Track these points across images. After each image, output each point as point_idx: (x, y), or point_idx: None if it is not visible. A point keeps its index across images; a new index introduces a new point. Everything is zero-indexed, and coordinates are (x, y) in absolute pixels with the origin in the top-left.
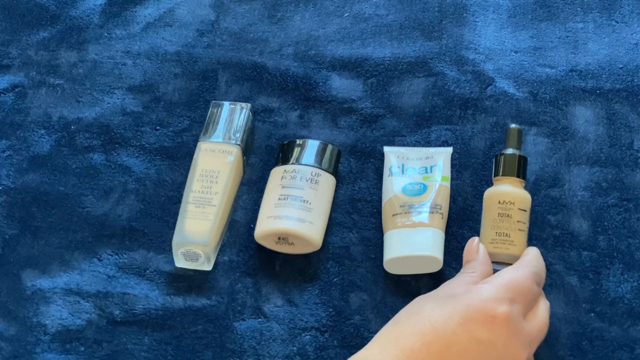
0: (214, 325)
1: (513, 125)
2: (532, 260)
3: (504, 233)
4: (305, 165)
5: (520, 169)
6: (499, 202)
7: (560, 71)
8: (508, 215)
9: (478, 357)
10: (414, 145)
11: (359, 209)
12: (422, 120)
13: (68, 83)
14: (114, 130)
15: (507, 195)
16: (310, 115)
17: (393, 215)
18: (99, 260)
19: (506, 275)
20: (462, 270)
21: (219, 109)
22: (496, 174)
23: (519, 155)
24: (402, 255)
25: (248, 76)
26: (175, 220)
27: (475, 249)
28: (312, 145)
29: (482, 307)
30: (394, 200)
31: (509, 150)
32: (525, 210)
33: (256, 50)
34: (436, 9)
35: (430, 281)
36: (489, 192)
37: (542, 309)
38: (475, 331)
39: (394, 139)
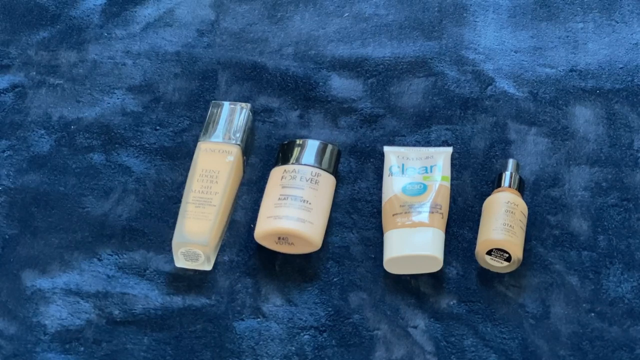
0: (213, 325)
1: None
2: None
3: (508, 224)
4: (305, 165)
5: (521, 185)
6: (506, 202)
7: (560, 71)
8: (512, 212)
9: None
10: (414, 145)
11: (359, 209)
12: (422, 120)
13: (68, 83)
14: (114, 130)
15: (513, 199)
16: (310, 115)
17: (393, 215)
18: (99, 260)
19: None
20: None
21: (219, 109)
22: (499, 186)
23: (520, 177)
24: (402, 255)
25: (248, 76)
26: (175, 220)
27: None
28: (312, 145)
29: None
30: (394, 200)
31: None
32: (525, 216)
33: (256, 50)
34: (436, 9)
35: (430, 281)
36: (494, 197)
37: None
38: None
39: (394, 139)
